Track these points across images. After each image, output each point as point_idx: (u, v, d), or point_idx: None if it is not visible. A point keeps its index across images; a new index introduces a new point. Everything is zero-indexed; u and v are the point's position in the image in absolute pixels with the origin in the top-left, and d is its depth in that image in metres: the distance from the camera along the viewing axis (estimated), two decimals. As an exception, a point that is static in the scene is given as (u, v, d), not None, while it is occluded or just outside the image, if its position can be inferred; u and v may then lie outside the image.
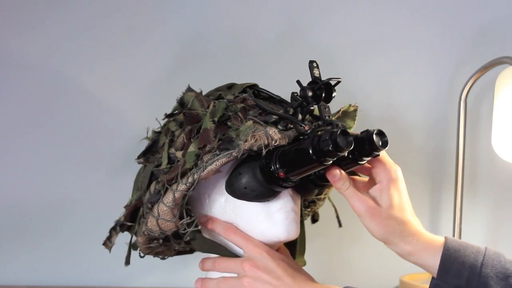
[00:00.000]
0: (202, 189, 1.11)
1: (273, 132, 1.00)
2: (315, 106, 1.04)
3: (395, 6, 1.58)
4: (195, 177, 1.01)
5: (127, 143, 1.45)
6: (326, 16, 1.57)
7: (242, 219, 1.09)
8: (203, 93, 1.16)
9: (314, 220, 1.34)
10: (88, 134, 1.53)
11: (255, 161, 1.02)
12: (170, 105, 1.17)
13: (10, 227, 1.52)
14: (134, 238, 1.19)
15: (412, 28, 1.59)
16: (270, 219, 1.07)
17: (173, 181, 1.03)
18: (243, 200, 1.06)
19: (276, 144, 1.00)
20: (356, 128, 1.10)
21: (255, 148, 0.99)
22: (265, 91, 1.15)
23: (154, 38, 1.54)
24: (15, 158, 1.53)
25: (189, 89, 1.14)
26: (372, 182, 1.05)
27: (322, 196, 1.26)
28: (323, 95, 1.02)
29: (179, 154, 1.05)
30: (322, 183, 1.07)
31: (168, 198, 1.02)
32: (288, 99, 1.08)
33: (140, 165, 1.18)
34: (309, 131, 1.01)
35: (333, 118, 1.04)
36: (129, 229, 1.18)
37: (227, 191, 1.07)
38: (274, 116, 1.05)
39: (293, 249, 1.20)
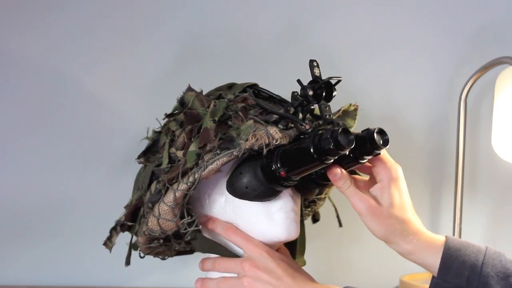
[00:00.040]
0: (202, 189, 1.11)
1: (274, 131, 1.00)
2: (316, 105, 1.04)
3: (395, 6, 1.58)
4: (196, 176, 1.01)
5: (127, 143, 1.45)
6: (326, 16, 1.57)
7: (242, 219, 1.09)
8: (203, 93, 1.16)
9: (315, 219, 1.33)
10: (88, 134, 1.53)
11: (256, 161, 1.02)
12: (170, 105, 1.17)
13: (10, 227, 1.52)
14: (135, 238, 1.19)
15: (412, 28, 1.59)
16: (270, 219, 1.07)
17: (174, 181, 1.03)
18: (244, 199, 1.06)
19: (277, 143, 1.00)
20: (356, 128, 1.10)
21: (256, 147, 0.99)
22: (265, 91, 1.15)
23: (154, 38, 1.54)
24: (15, 158, 1.53)
25: (190, 89, 1.14)
26: (372, 181, 1.05)
27: (323, 196, 1.26)
28: (324, 94, 1.03)
29: (179, 153, 1.05)
30: (323, 182, 1.07)
31: (169, 197, 1.02)
32: (288, 99, 1.08)
33: (141, 165, 1.18)
34: (310, 130, 1.01)
35: (334, 117, 1.04)
36: (129, 229, 1.18)
37: (228, 190, 1.06)
38: (275, 116, 1.05)
39: (293, 249, 1.20)
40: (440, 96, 1.59)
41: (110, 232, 1.19)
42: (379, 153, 1.02)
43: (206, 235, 1.12)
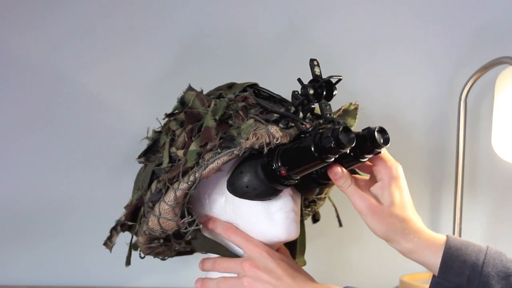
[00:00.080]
0: (203, 189, 1.11)
1: (275, 130, 1.00)
2: (316, 105, 1.04)
3: (395, 6, 1.58)
4: (196, 175, 1.01)
5: (128, 143, 1.45)
6: (327, 15, 1.57)
7: (242, 219, 1.09)
8: (204, 93, 1.16)
9: (315, 219, 1.33)
10: (88, 134, 1.53)
11: (257, 160, 1.02)
12: (170, 105, 1.17)
13: (10, 227, 1.52)
14: (135, 238, 1.19)
15: (412, 28, 1.59)
16: (270, 219, 1.07)
17: (174, 180, 1.03)
18: (244, 199, 1.06)
19: (277, 142, 1.00)
20: (356, 127, 1.10)
21: (256, 146, 0.99)
22: (265, 90, 1.15)
23: (154, 38, 1.54)
24: (15, 158, 1.53)
25: (190, 88, 1.14)
26: (373, 180, 1.05)
27: (323, 196, 1.26)
28: (324, 93, 1.03)
29: (180, 153, 1.05)
30: (323, 181, 1.07)
31: (170, 197, 1.02)
32: (289, 98, 1.08)
33: (141, 165, 1.18)
34: (310, 129, 1.01)
35: (334, 116, 1.04)
36: (130, 228, 1.18)
37: (228, 190, 1.06)
38: (275, 115, 1.05)
39: (293, 249, 1.20)
40: (440, 96, 1.60)
41: (110, 232, 1.19)
42: (380, 152, 1.02)
43: (206, 234, 1.12)
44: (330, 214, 1.31)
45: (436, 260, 1.00)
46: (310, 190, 1.15)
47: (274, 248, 1.11)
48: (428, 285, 1.03)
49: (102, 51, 1.53)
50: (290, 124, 1.04)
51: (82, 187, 1.53)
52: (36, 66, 1.52)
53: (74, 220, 1.53)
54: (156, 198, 1.05)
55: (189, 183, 1.01)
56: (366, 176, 1.09)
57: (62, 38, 1.52)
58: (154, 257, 1.23)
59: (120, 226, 1.17)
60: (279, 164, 1.00)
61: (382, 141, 1.00)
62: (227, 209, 1.10)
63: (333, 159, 0.98)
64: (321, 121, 1.04)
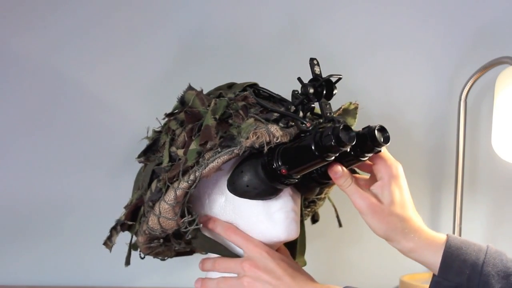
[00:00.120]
0: (202, 189, 1.11)
1: (275, 129, 1.00)
2: (316, 104, 1.05)
3: (395, 6, 1.58)
4: (196, 174, 1.01)
5: (128, 143, 1.45)
6: (327, 15, 1.58)
7: (242, 219, 1.09)
8: (204, 93, 1.16)
9: (314, 220, 1.33)
10: (88, 134, 1.53)
11: (257, 159, 1.02)
12: (170, 105, 1.17)
13: (10, 227, 1.52)
14: (134, 238, 1.19)
15: (412, 28, 1.59)
16: (270, 219, 1.07)
17: (174, 179, 1.03)
18: (245, 198, 1.06)
19: (277, 141, 1.00)
20: (356, 126, 1.10)
21: (256, 145, 0.99)
22: (265, 90, 1.15)
23: (154, 38, 1.54)
24: (15, 158, 1.53)
25: (190, 88, 1.14)
26: (373, 179, 1.05)
27: (322, 196, 1.26)
28: (324, 92, 1.03)
29: (180, 152, 1.05)
30: (323, 180, 1.07)
31: (170, 196, 1.02)
32: (289, 98, 1.08)
33: (141, 165, 1.18)
34: (310, 128, 1.01)
35: (334, 116, 1.04)
36: (129, 228, 1.18)
37: (228, 189, 1.06)
38: (276, 114, 1.05)
39: (293, 249, 1.20)
40: (440, 96, 1.60)
41: (110, 231, 1.19)
42: (380, 151, 1.02)
43: (206, 234, 1.12)
44: (330, 214, 1.31)
45: (436, 259, 1.00)
46: (310, 189, 1.15)
47: (274, 248, 1.11)
48: (428, 285, 1.03)
49: (102, 51, 1.54)
50: (290, 123, 1.04)
51: (82, 187, 1.53)
52: (36, 66, 1.52)
53: (74, 220, 1.53)
54: (156, 197, 1.05)
55: (189, 182, 1.01)
56: (366, 175, 1.09)
57: (62, 38, 1.53)
58: (153, 257, 1.23)
59: (120, 226, 1.17)
60: (280, 163, 1.00)
61: (382, 139, 1.00)
62: (227, 209, 1.10)
63: (333, 157, 0.98)
64: (321, 120, 1.04)
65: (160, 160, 1.10)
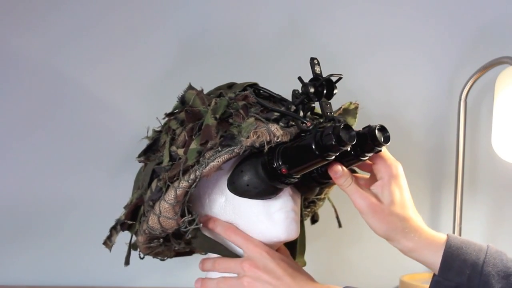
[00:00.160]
0: (202, 189, 1.11)
1: (275, 128, 1.00)
2: (317, 104, 1.05)
3: (396, 6, 1.58)
4: (197, 173, 1.01)
5: (128, 143, 1.44)
6: (327, 15, 1.58)
7: (242, 219, 1.09)
8: (204, 93, 1.16)
9: (314, 220, 1.33)
10: (88, 134, 1.53)
11: (257, 158, 1.02)
12: (170, 105, 1.17)
13: (10, 227, 1.52)
14: (134, 238, 1.19)
15: (412, 28, 1.59)
16: (270, 219, 1.07)
17: (175, 178, 1.03)
18: (245, 197, 1.06)
19: (278, 140, 1.00)
20: (356, 126, 1.10)
21: (257, 145, 0.99)
22: (265, 90, 1.15)
23: (154, 38, 1.54)
24: (15, 158, 1.53)
25: (190, 87, 1.14)
26: (373, 179, 1.05)
27: (322, 196, 1.26)
28: (325, 91, 1.03)
29: (180, 151, 1.05)
30: (323, 180, 1.07)
31: (170, 195, 1.02)
32: (289, 98, 1.08)
33: (141, 165, 1.18)
34: (311, 128, 1.01)
35: (334, 115, 1.04)
36: (129, 228, 1.18)
37: (229, 189, 1.06)
38: (276, 113, 1.05)
39: (293, 249, 1.20)
40: (440, 96, 1.60)
41: (110, 231, 1.20)
42: (380, 150, 1.02)
43: (206, 234, 1.12)
44: (330, 215, 1.31)
45: (436, 259, 1.00)
46: (310, 189, 1.15)
47: (274, 248, 1.11)
48: (428, 285, 1.02)
49: (102, 51, 1.54)
50: (291, 123, 1.04)
51: (82, 187, 1.53)
52: (36, 66, 1.52)
53: (74, 220, 1.53)
54: (156, 196, 1.05)
55: (189, 181, 1.01)
56: (366, 175, 1.09)
57: (62, 38, 1.53)
58: (153, 257, 1.23)
59: (120, 225, 1.17)
60: (280, 162, 1.00)
61: (382, 139, 1.00)
62: (227, 209, 1.10)
63: (333, 157, 0.98)
64: (322, 119, 1.04)
65: (160, 159, 1.10)
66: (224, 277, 1.09)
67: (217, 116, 1.04)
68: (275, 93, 1.14)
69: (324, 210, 1.31)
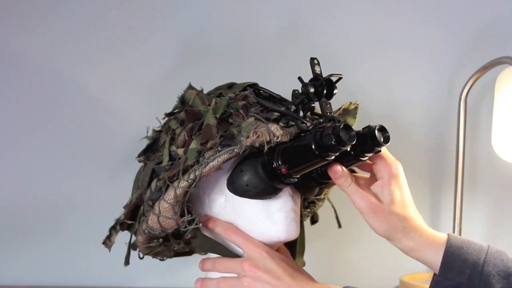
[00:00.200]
0: (202, 189, 1.11)
1: (275, 128, 1.00)
2: (316, 104, 1.05)
3: (395, 6, 1.58)
4: (196, 173, 1.01)
5: (127, 143, 1.44)
6: (327, 15, 1.58)
7: (242, 219, 1.09)
8: (204, 92, 1.16)
9: (314, 221, 1.33)
10: (88, 133, 1.53)
11: (257, 158, 1.02)
12: (170, 105, 1.17)
13: (10, 227, 1.52)
14: (134, 238, 1.19)
15: (412, 28, 1.59)
16: (270, 219, 1.07)
17: (174, 178, 1.03)
18: (244, 197, 1.06)
19: (278, 140, 1.00)
20: (356, 127, 1.10)
21: (257, 145, 0.99)
22: (265, 90, 1.15)
23: (154, 38, 1.54)
24: (15, 158, 1.53)
25: (190, 87, 1.14)
26: (373, 178, 1.05)
27: (322, 197, 1.26)
28: (325, 91, 1.03)
29: (180, 151, 1.05)
30: (323, 180, 1.07)
31: (170, 195, 1.02)
32: (289, 98, 1.08)
33: (140, 164, 1.18)
34: (310, 128, 1.01)
35: (334, 115, 1.04)
36: (129, 227, 1.18)
37: (228, 188, 1.06)
38: (276, 113, 1.05)
39: (292, 250, 1.20)
40: (440, 96, 1.60)
41: (110, 231, 1.19)
42: (380, 150, 1.02)
43: (206, 234, 1.12)
44: (330, 215, 1.31)
45: (437, 258, 1.00)
46: (310, 189, 1.15)
47: (274, 248, 1.11)
48: (428, 285, 1.02)
49: (102, 51, 1.53)
50: (291, 122, 1.04)
51: (82, 187, 1.53)
52: (36, 66, 1.52)
53: (74, 220, 1.53)
54: (156, 196, 1.05)
55: (189, 181, 1.01)
56: (366, 175, 1.09)
57: (62, 38, 1.53)
58: (153, 257, 1.23)
59: (120, 225, 1.17)
60: (280, 162, 1.00)
61: (382, 139, 1.00)
62: (227, 209, 1.10)
63: (333, 157, 0.98)
64: (322, 119, 1.04)
65: (160, 159, 1.10)
66: (224, 277, 1.09)
67: (217, 116, 1.04)
68: (275, 93, 1.14)
69: (324, 210, 1.31)
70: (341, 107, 1.14)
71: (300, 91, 1.04)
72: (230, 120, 1.05)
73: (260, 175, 1.02)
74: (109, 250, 1.20)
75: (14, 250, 1.53)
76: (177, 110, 1.14)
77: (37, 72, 1.52)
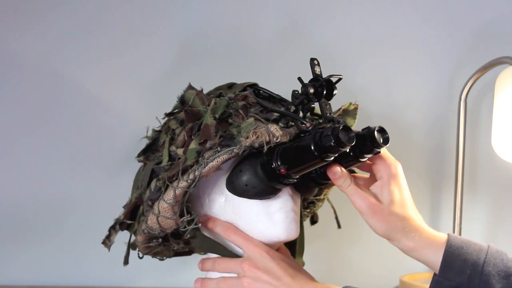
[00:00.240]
0: (202, 189, 1.11)
1: (275, 129, 1.00)
2: (316, 104, 1.05)
3: (395, 6, 1.58)
4: (196, 173, 1.01)
5: (127, 143, 1.44)
6: (327, 15, 1.57)
7: (242, 219, 1.09)
8: (204, 92, 1.16)
9: (313, 221, 1.33)
10: (88, 133, 1.53)
11: (256, 158, 1.02)
12: (170, 105, 1.17)
13: (10, 227, 1.52)
14: (133, 238, 1.19)
15: (412, 28, 1.59)
16: (270, 219, 1.07)
17: (174, 178, 1.03)
18: (243, 197, 1.06)
19: (277, 141, 1.00)
20: (356, 127, 1.10)
21: (256, 145, 0.99)
22: (265, 90, 1.15)
23: (154, 38, 1.54)
24: (15, 158, 1.53)
25: (190, 87, 1.14)
26: (372, 179, 1.05)
27: (322, 197, 1.26)
28: (324, 92, 1.03)
29: (180, 151, 1.05)
30: (322, 181, 1.07)
31: (169, 195, 1.02)
32: (289, 98, 1.08)
33: (140, 164, 1.18)
34: (310, 128, 1.01)
35: (334, 116, 1.04)
36: (128, 227, 1.18)
37: (227, 188, 1.06)
38: (276, 114, 1.05)
39: (292, 250, 1.20)
40: (440, 96, 1.59)
41: (109, 230, 1.19)
42: (379, 152, 1.02)
43: (205, 234, 1.12)
44: (330, 215, 1.31)
45: (437, 258, 1.00)
46: (309, 190, 1.15)
47: (274, 248, 1.11)
48: (428, 285, 1.02)
49: (102, 51, 1.53)
50: (290, 123, 1.04)
51: (82, 187, 1.53)
52: (36, 66, 1.52)
53: (74, 220, 1.53)
54: (155, 196, 1.05)
55: (188, 181, 1.01)
56: (366, 175, 1.09)
57: (62, 38, 1.52)
58: (152, 257, 1.23)
59: (119, 225, 1.17)
60: (279, 163, 1.00)
61: (381, 140, 1.00)
62: (227, 209, 1.10)
63: (332, 158, 0.98)
64: (321, 120, 1.04)
65: (160, 159, 1.10)
66: (224, 277, 1.09)
67: (217, 116, 1.04)
68: (275, 94, 1.14)
69: (324, 210, 1.31)
70: (341, 108, 1.14)
71: (300, 91, 1.04)
72: (230, 121, 1.05)
73: (259, 175, 1.02)
74: (109, 250, 1.20)
75: (14, 250, 1.52)
76: (177, 110, 1.15)
77: (37, 72, 1.52)
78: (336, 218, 1.31)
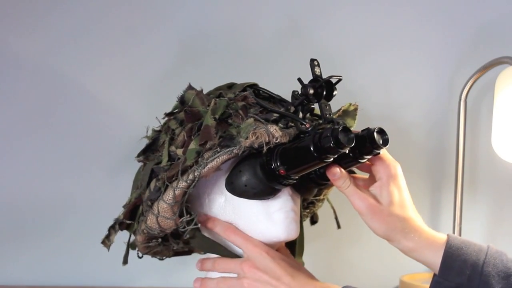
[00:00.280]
0: (202, 189, 1.11)
1: (274, 129, 1.00)
2: (316, 105, 1.04)
3: (395, 6, 1.58)
4: (195, 174, 1.01)
5: (127, 143, 1.44)
6: (327, 15, 1.57)
7: (242, 219, 1.09)
8: (203, 93, 1.16)
9: (313, 221, 1.33)
10: (88, 133, 1.53)
11: (256, 159, 1.02)
12: (170, 105, 1.17)
13: (10, 227, 1.52)
14: (133, 237, 1.19)
15: (412, 28, 1.59)
16: (269, 219, 1.07)
17: (173, 178, 1.03)
18: (243, 198, 1.06)
19: (277, 141, 1.00)
20: (356, 128, 1.10)
21: (256, 146, 0.99)
22: (265, 91, 1.15)
23: (154, 38, 1.54)
24: (15, 158, 1.53)
25: (190, 87, 1.14)
26: (372, 179, 1.05)
27: (321, 197, 1.26)
28: (324, 93, 1.03)
29: (179, 151, 1.05)
30: (322, 182, 1.07)
31: (168, 195, 1.02)
32: (289, 98, 1.08)
33: (140, 164, 1.18)
34: (310, 129, 1.01)
35: (334, 117, 1.04)
36: (128, 227, 1.18)
37: (227, 189, 1.06)
38: (275, 114, 1.05)
39: (292, 250, 1.20)
40: (440, 96, 1.59)
41: (109, 230, 1.19)
42: (379, 153, 1.02)
43: (205, 234, 1.12)
44: (330, 215, 1.31)
45: (436, 259, 1.00)
46: (309, 190, 1.15)
47: (274, 248, 1.11)
48: (428, 285, 1.02)
49: (102, 51, 1.53)
50: (290, 124, 1.04)
51: (82, 187, 1.53)
52: (36, 66, 1.52)
53: (74, 220, 1.53)
54: (155, 196, 1.05)
55: (188, 181, 1.01)
56: (365, 176, 1.09)
57: (62, 38, 1.52)
58: (152, 256, 1.23)
59: (119, 225, 1.17)
60: (278, 163, 1.00)
61: (381, 142, 1.00)
62: (227, 209, 1.10)
63: (332, 159, 0.98)
64: (321, 121, 1.04)
65: (159, 159, 1.10)
66: (224, 277, 1.09)
67: (217, 116, 1.04)
68: (274, 94, 1.14)
69: (324, 210, 1.31)
70: (340, 108, 1.14)
71: (299, 92, 1.04)
72: (230, 121, 1.05)
73: (258, 176, 1.02)
74: (108, 250, 1.20)
75: (14, 250, 1.53)
76: (176, 110, 1.15)
77: (37, 72, 1.52)
78: (336, 218, 1.31)
